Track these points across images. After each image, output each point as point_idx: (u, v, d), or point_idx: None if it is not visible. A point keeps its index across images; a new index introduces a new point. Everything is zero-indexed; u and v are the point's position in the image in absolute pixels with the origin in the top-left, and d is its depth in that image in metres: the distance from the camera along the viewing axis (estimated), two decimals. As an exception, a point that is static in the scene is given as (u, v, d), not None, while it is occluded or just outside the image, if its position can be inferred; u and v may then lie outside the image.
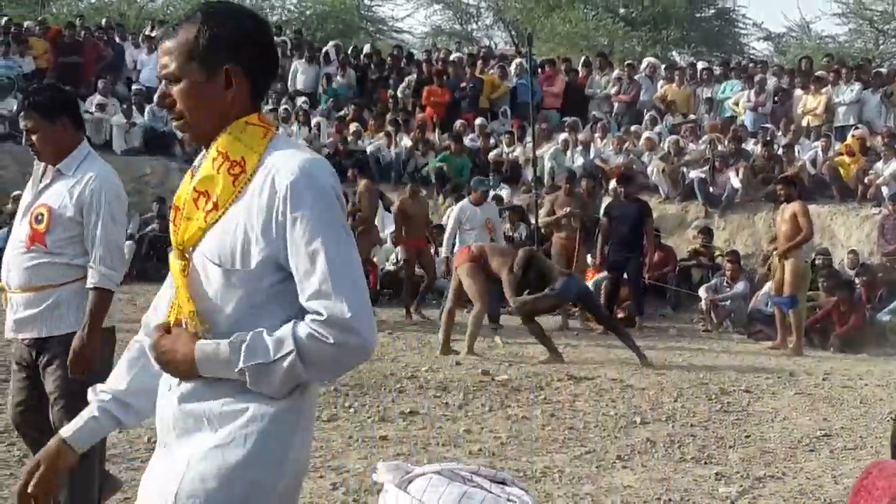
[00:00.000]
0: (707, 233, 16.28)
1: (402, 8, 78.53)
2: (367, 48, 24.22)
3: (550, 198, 15.17)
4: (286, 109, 20.54)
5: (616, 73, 21.35)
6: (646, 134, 19.00)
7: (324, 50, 23.38)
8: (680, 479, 6.47)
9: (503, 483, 3.78)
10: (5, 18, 23.19)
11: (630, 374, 10.44)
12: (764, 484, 6.48)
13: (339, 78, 21.83)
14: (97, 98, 20.48)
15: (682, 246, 16.88)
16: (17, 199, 16.86)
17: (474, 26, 38.75)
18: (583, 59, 22.94)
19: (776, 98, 19.64)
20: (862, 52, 30.71)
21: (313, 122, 20.09)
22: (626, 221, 13.90)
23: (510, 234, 16.59)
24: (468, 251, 11.47)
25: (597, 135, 19.35)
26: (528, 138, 18.46)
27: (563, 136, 19.20)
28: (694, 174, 17.76)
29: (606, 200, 17.15)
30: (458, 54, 24.02)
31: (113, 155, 20.13)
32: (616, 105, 20.97)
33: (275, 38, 3.46)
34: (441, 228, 15.02)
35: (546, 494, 6.01)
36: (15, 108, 19.79)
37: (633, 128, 19.67)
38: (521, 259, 11.16)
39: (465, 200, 13.66)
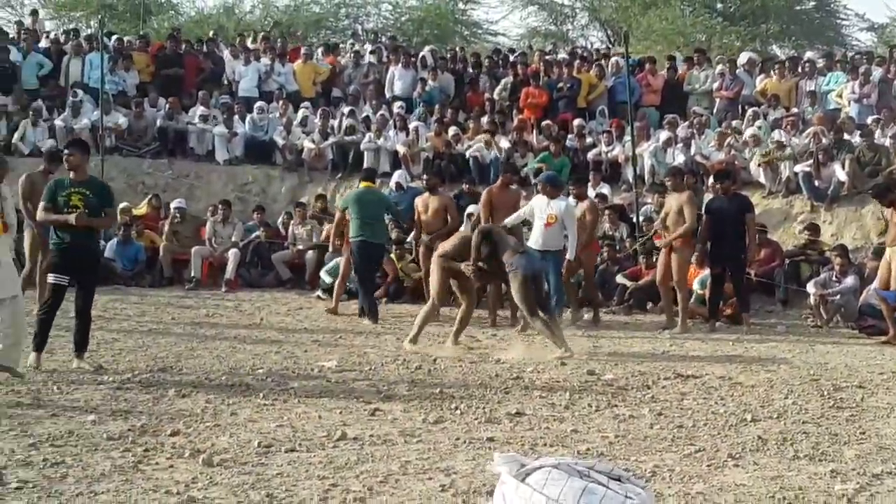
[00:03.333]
0: (813, 229, 16.01)
1: (497, 10, 78.28)
2: (462, 51, 24.21)
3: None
4: (383, 115, 20.64)
5: (718, 68, 21.06)
6: (747, 129, 18.72)
7: (420, 55, 23.47)
8: (794, 477, 6.35)
9: (619, 479, 3.75)
10: (115, 37, 23.62)
11: (738, 371, 10.29)
12: (882, 481, 6.32)
13: (434, 82, 21.87)
14: (199, 109, 20.85)
15: (788, 241, 16.62)
16: (125, 211, 17.38)
17: (569, 26, 38.57)
18: (682, 55, 22.69)
19: (881, 89, 19.24)
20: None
21: (411, 126, 20.16)
22: (726, 217, 13.70)
23: (611, 232, 16.49)
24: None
25: (696, 131, 19.11)
26: (627, 137, 18.35)
27: (662, 133, 19.01)
28: (798, 168, 17.47)
29: (708, 197, 16.98)
30: (555, 56, 23.94)
31: (215, 165, 20.52)
32: (717, 101, 20.70)
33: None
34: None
35: (657, 494, 5.92)
36: (120, 121, 20.29)
37: (733, 123, 19.41)
38: (476, 241, 11.50)
39: (539, 194, 13.65)
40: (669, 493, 5.96)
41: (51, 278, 9.66)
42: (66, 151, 9.95)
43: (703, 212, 14.29)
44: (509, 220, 13.37)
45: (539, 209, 13.13)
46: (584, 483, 3.66)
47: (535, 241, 13.03)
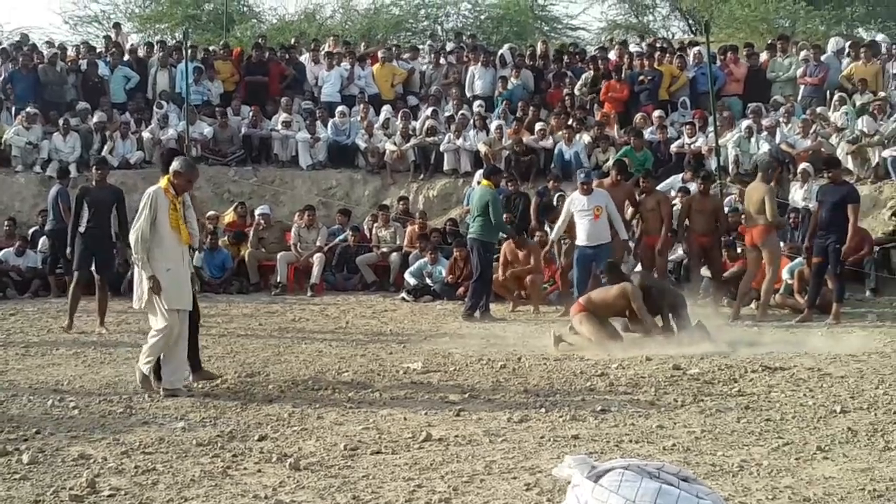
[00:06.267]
0: (905, 215, 15.67)
1: (577, 5, 77.86)
2: (541, 47, 24.13)
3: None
4: (463, 115, 20.68)
5: (803, 54, 20.73)
6: (833, 115, 18.41)
7: (499, 53, 23.46)
8: (885, 469, 6.24)
9: (686, 480, 3.73)
10: (201, 49, 23.97)
11: (828, 362, 10.13)
12: (975, 471, 6.20)
13: (514, 80, 21.85)
14: (282, 116, 21.07)
15: (877, 228, 16.31)
16: (212, 219, 17.65)
17: (650, 18, 38.26)
18: (765, 42, 22.38)
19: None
20: None
21: (493, 125, 20.16)
22: (829, 205, 13.46)
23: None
24: (578, 306, 11.90)
25: (781, 119, 18.84)
26: (710, 128, 18.16)
27: (746, 122, 18.77)
28: (887, 153, 17.14)
29: (794, 186, 16.76)
30: (635, 48, 23.77)
31: (299, 170, 20.73)
32: (801, 88, 20.39)
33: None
34: None
35: (744, 488, 5.88)
36: (206, 131, 20.59)
37: (819, 109, 19.10)
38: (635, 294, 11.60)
39: (576, 191, 14.01)
40: (757, 487, 5.90)
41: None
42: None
43: (816, 201, 14.06)
44: (554, 236, 14.44)
45: (580, 206, 13.62)
46: (657, 484, 3.65)
47: (584, 237, 13.59)
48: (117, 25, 28.39)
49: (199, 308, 9.93)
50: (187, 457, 6.73)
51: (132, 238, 9.07)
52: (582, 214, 13.59)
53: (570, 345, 11.44)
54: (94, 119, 21.00)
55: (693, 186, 16.66)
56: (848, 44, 21.55)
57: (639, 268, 14.70)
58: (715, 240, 14.59)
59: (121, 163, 20.48)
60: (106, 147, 20.59)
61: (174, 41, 25.89)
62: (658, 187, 16.08)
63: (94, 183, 13.67)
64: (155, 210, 8.89)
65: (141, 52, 23.76)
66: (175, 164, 9.14)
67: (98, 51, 24.12)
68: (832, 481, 6.02)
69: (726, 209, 15.93)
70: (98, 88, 22.11)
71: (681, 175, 17.50)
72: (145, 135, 20.89)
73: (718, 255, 14.70)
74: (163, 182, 9.09)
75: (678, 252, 15.61)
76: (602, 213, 13.50)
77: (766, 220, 13.51)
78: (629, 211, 15.08)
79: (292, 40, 26.32)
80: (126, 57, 23.23)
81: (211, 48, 24.57)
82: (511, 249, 15.56)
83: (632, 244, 14.81)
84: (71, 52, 23.95)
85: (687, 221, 14.74)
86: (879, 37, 24.14)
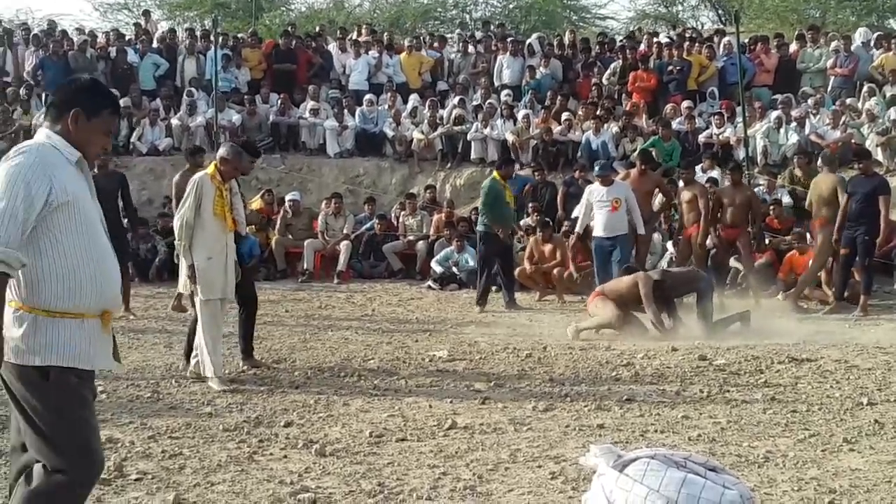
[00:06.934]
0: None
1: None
2: (569, 37, 24.05)
3: None
4: (491, 104, 20.65)
5: (833, 45, 20.58)
6: (863, 106, 18.28)
7: (527, 42, 23.39)
8: (911, 462, 6.23)
9: (713, 470, 3.73)
10: (230, 37, 23.98)
11: (855, 354, 10.09)
12: None
13: (543, 69, 21.81)
14: (310, 104, 21.10)
15: (906, 220, 16.16)
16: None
17: (679, 7, 38.06)
18: (795, 33, 22.24)
19: None
20: None
21: (520, 115, 20.13)
22: (860, 197, 13.37)
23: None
24: (596, 293, 12.18)
25: (810, 110, 18.71)
26: (739, 118, 18.07)
27: (775, 113, 18.66)
28: (917, 145, 17.01)
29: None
30: (664, 38, 23.66)
31: (327, 158, 20.77)
32: (831, 78, 20.26)
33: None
34: None
35: (770, 479, 5.87)
36: (234, 118, 20.64)
37: (848, 101, 18.98)
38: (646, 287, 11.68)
39: (596, 182, 14.02)
40: (783, 478, 5.89)
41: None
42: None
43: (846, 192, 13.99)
44: (579, 227, 14.38)
45: (598, 198, 13.64)
46: (683, 474, 3.65)
47: (601, 228, 13.60)
48: (147, 13, 28.47)
49: (257, 295, 9.96)
50: (214, 442, 6.78)
51: (175, 224, 8.96)
52: (600, 205, 13.61)
53: (589, 330, 11.51)
54: (121, 104, 21.01)
55: (716, 174, 16.63)
56: (876, 35, 21.40)
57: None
58: (744, 231, 14.44)
59: (150, 149, 20.58)
60: (135, 133, 20.70)
61: (203, 28, 25.96)
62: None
63: (96, 170, 13.46)
64: (200, 196, 8.74)
65: (169, 40, 23.80)
66: (222, 151, 9.04)
67: (128, 38, 24.19)
68: (858, 473, 6.00)
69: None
70: (127, 75, 22.19)
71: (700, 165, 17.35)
72: (174, 122, 20.97)
73: (748, 246, 14.53)
74: (210, 168, 9.00)
75: (707, 243, 15.51)
76: (621, 204, 13.50)
77: (827, 213, 13.55)
78: (657, 201, 15.03)
79: (317, 28, 26.28)
80: (155, 44, 23.31)
81: (239, 36, 24.60)
82: (537, 244, 15.56)
83: (658, 236, 14.79)
84: (101, 40, 24.06)
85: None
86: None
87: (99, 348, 4.11)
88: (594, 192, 13.81)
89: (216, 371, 8.66)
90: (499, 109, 20.52)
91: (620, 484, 3.72)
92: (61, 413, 3.97)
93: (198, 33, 24.18)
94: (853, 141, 17.33)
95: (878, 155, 17.34)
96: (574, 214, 15.37)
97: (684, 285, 12.20)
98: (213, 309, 8.80)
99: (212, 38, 21.91)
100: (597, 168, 14.23)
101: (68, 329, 4.01)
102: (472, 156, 20.21)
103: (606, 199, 13.53)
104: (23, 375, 3.98)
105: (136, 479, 5.94)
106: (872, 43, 20.87)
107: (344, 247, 17.30)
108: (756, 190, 16.55)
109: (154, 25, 26.95)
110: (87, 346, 4.04)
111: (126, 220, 13.97)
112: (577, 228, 14.54)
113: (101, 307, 4.11)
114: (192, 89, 21.65)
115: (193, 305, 8.96)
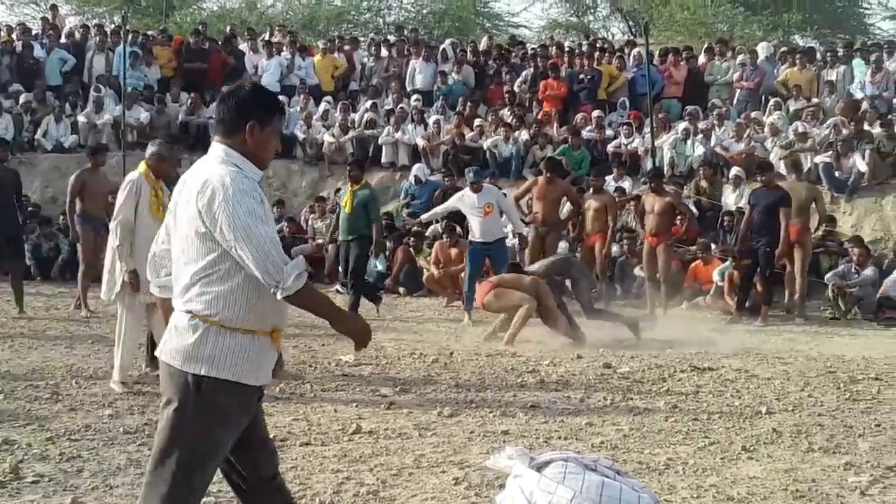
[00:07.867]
0: (830, 221, 15.82)
1: (518, 2, 77.96)
2: (483, 43, 24.15)
3: None
4: (402, 109, 20.65)
5: (740, 58, 20.92)
6: (767, 120, 18.63)
7: (440, 48, 23.42)
8: (807, 470, 6.34)
9: (618, 473, 3.77)
10: (140, 34, 23.65)
11: (755, 363, 10.27)
12: (896, 473, 6.32)
13: (455, 75, 21.87)
14: (220, 104, 20.85)
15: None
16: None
17: (591, 18, 38.47)
18: (704, 45, 22.59)
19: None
20: None
21: (431, 120, 20.17)
22: (762, 209, 13.62)
23: (631, 225, 16.38)
24: (489, 284, 12.04)
25: (715, 122, 19.00)
26: (647, 129, 18.29)
27: (682, 124, 18.92)
28: (819, 159, 17.36)
29: (727, 189, 16.94)
30: (573, 44, 23.86)
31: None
32: (737, 91, 20.60)
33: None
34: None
35: (669, 486, 5.94)
36: (142, 117, 20.35)
37: (753, 114, 19.32)
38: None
39: (467, 188, 13.97)
40: (682, 485, 5.97)
41: None
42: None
43: (747, 203, 14.25)
44: (426, 216, 15.09)
45: (470, 205, 13.64)
46: (599, 477, 3.68)
47: (477, 234, 13.63)
48: (55, 7, 27.92)
49: None
50: (114, 444, 6.68)
51: (112, 227, 8.61)
52: (473, 213, 13.62)
53: (516, 333, 11.52)
54: (21, 100, 20.68)
55: (625, 185, 16.85)
56: (781, 50, 21.82)
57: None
58: (666, 238, 14.50)
59: (54, 146, 20.20)
60: (39, 130, 20.32)
61: (112, 25, 25.57)
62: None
63: None
64: (137, 197, 8.50)
65: (77, 35, 23.41)
66: (155, 148, 8.79)
67: (34, 32, 23.74)
68: (756, 481, 6.10)
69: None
70: (33, 70, 21.80)
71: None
72: (80, 119, 20.61)
73: (668, 256, 14.59)
74: (142, 167, 8.72)
75: (614, 250, 15.67)
76: (493, 209, 13.57)
77: (804, 220, 14.02)
78: (565, 209, 15.13)
79: (228, 29, 25.99)
80: (63, 39, 22.91)
81: (149, 33, 24.26)
82: (442, 248, 15.60)
83: (564, 244, 14.93)
84: (4, 34, 23.56)
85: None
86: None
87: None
88: (466, 197, 13.80)
89: (123, 375, 8.51)
90: (410, 114, 20.52)
91: (542, 486, 3.72)
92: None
93: (107, 29, 23.80)
94: (756, 153, 17.61)
95: (781, 168, 17.66)
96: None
97: (562, 273, 12.46)
98: (140, 312, 8.64)
99: (121, 34, 21.59)
100: (469, 175, 14.16)
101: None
102: (383, 160, 20.17)
103: (479, 204, 13.51)
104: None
105: (32, 482, 5.83)
106: (778, 57, 21.28)
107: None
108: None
109: (62, 20, 26.47)
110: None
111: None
112: (423, 217, 15.15)
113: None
114: (100, 86, 21.29)
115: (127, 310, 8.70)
